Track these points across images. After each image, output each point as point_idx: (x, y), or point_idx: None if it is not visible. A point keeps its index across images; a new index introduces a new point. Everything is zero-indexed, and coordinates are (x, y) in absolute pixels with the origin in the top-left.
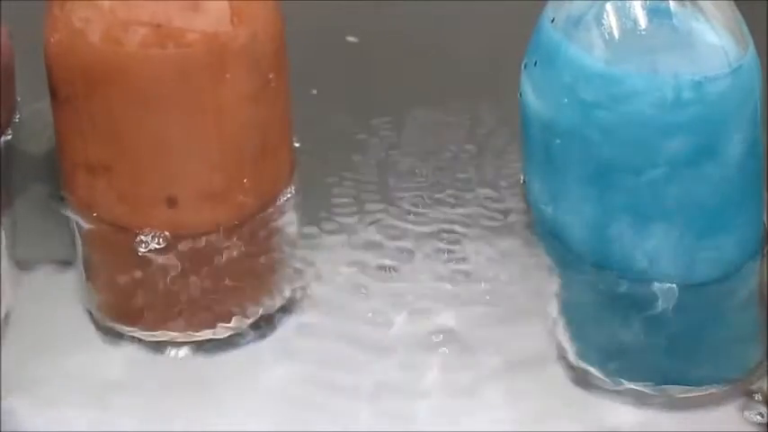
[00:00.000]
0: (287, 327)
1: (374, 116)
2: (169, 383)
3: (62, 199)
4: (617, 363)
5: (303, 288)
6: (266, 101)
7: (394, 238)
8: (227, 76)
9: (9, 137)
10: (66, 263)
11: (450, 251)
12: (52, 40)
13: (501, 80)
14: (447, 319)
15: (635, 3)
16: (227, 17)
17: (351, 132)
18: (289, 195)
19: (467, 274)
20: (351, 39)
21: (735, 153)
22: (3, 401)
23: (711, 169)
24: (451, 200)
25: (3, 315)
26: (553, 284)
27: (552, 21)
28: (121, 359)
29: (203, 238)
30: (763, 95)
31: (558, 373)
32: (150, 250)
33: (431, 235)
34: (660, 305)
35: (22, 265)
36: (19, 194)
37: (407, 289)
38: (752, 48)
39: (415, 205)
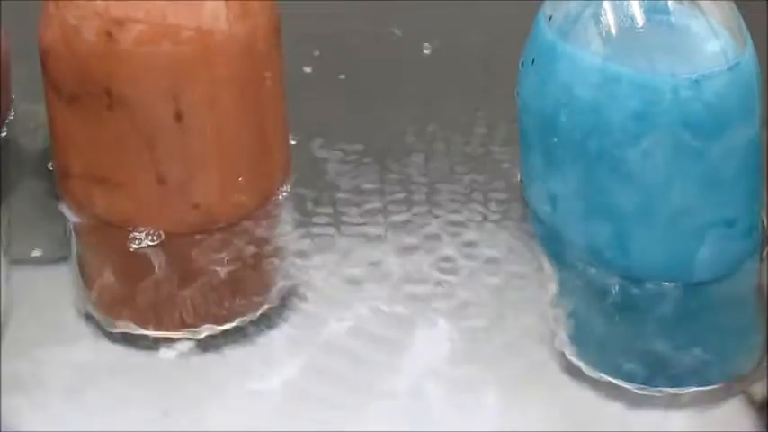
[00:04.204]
0: (282, 325)
1: (371, 114)
2: (165, 381)
3: (57, 196)
4: (616, 362)
5: (299, 286)
6: (262, 99)
7: (390, 237)
8: (222, 73)
9: (4, 134)
10: (61, 260)
11: (448, 249)
12: (47, 37)
13: (498, 78)
14: (445, 318)
15: (632, 1)
16: (223, 15)
17: (347, 130)
18: (285, 193)
19: (465, 273)
20: (349, 37)
21: (733, 150)
22: (2, 401)
23: (710, 167)
24: (449, 199)
25: (2, 314)
26: (551, 284)
27: (550, 19)
28: (118, 357)
29: (198, 236)
30: (761, 92)
31: (556, 373)
32: (144, 247)
33: (427, 234)
34: (659, 305)
35: (17, 262)
36: (14, 192)
37: (404, 288)
38: (750, 45)
39: (412, 204)
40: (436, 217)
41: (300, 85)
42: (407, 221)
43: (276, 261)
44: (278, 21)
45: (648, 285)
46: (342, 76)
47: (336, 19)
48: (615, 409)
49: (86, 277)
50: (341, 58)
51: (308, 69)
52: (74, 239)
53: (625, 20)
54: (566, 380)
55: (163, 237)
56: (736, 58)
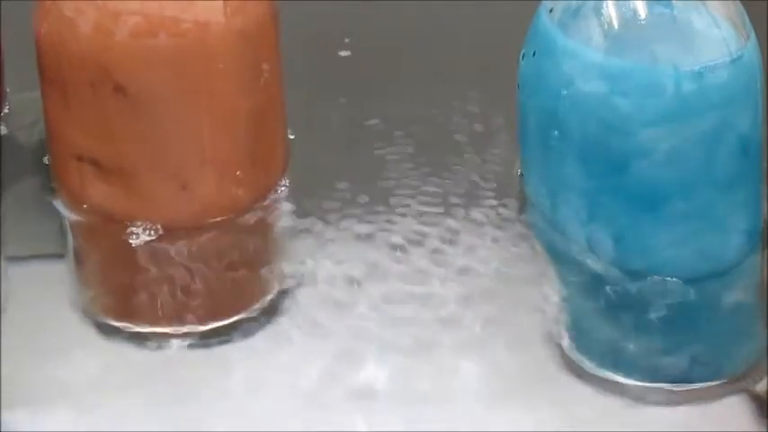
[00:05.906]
0: (281, 321)
1: (370, 107)
2: (164, 378)
3: (52, 190)
4: (615, 358)
5: (298, 281)
6: (260, 92)
7: (389, 231)
8: (220, 66)
9: None
10: (58, 256)
11: (446, 244)
12: (43, 30)
13: (499, 71)
14: (444, 313)
15: None
16: (220, 7)
17: (346, 124)
18: (283, 188)
19: (463, 268)
20: (347, 33)
21: (735, 144)
22: (1, 400)
23: (711, 161)
24: (449, 192)
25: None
26: (550, 278)
27: (551, 11)
28: (115, 354)
29: (196, 231)
30: (764, 85)
31: (555, 369)
32: (142, 242)
33: (427, 229)
34: (659, 300)
35: (13, 258)
36: (9, 186)
37: (402, 283)
38: (753, 37)
39: (411, 198)
40: (436, 212)
41: (298, 76)
42: (407, 215)
43: (275, 255)
44: (276, 12)
45: (648, 281)
46: (340, 72)
47: (334, 17)
48: (615, 405)
49: (83, 273)
50: (339, 54)
51: (304, 67)
52: (70, 235)
53: (627, 12)
54: (565, 376)
55: (160, 231)
56: (739, 50)
